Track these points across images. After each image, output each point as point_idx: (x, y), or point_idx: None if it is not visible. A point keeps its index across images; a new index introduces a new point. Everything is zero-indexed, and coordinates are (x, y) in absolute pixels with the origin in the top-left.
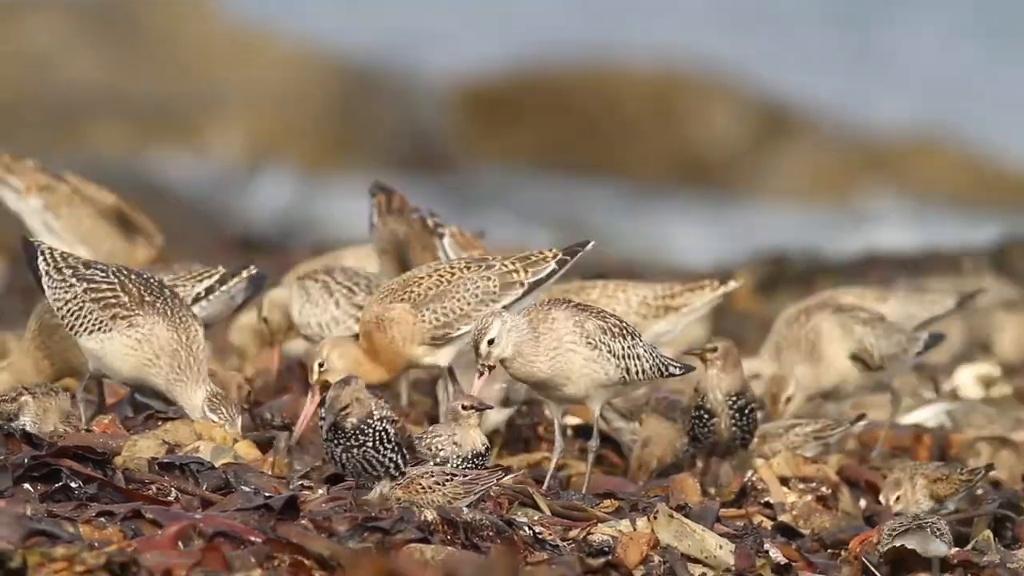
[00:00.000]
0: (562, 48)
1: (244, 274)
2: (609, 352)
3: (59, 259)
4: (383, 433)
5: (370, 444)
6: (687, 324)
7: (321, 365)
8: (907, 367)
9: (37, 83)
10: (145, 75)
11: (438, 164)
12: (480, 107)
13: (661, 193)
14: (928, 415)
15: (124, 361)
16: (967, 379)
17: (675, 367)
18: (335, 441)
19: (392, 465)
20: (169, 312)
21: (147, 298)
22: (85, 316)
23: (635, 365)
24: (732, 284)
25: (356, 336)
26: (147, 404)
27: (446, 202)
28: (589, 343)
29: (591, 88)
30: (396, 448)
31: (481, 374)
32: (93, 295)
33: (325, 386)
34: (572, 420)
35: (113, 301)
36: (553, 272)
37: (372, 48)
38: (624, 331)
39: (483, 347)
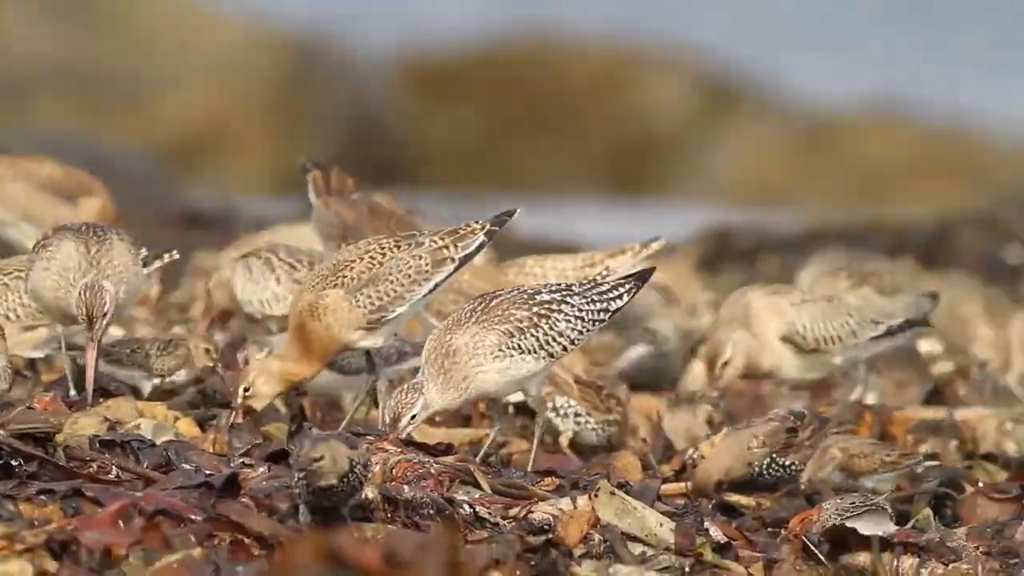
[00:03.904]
0: (509, 24)
1: (166, 257)
2: (522, 352)
3: None
4: (358, 481)
5: (350, 495)
6: None
7: (247, 390)
8: (867, 351)
9: None
10: (93, 51)
11: (384, 141)
12: (427, 83)
13: (601, 176)
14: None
15: (45, 287)
16: None
17: (620, 296)
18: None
19: (364, 498)
20: (84, 230)
21: (66, 225)
22: (20, 268)
23: (559, 344)
24: (655, 245)
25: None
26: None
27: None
28: (497, 356)
29: (539, 64)
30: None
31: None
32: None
33: (248, 411)
34: (512, 397)
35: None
36: (483, 244)
37: (319, 23)
38: (538, 316)
39: (403, 423)
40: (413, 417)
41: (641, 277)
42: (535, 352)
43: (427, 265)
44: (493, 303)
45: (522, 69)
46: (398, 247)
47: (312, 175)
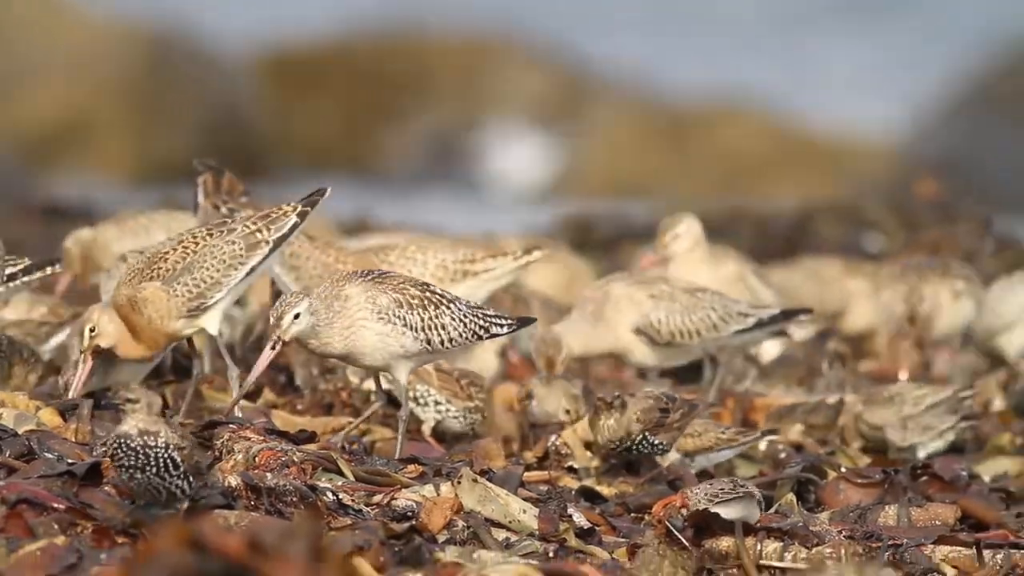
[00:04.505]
0: (368, 16)
1: (48, 269)
2: (405, 325)
3: None
4: (168, 460)
5: (153, 471)
6: (489, 290)
7: (92, 330)
8: (734, 342)
9: None
10: None
11: (244, 133)
12: (287, 75)
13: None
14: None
15: None
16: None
17: (501, 325)
18: (121, 463)
19: (179, 491)
20: None
21: None
22: None
23: (439, 335)
24: (536, 254)
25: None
26: None
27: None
28: (382, 318)
29: (398, 56)
30: (183, 476)
31: (273, 347)
32: None
33: (96, 351)
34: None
35: None
36: (295, 225)
37: (177, 16)
38: (428, 301)
39: (286, 320)
40: (296, 316)
41: (523, 322)
42: (416, 331)
43: (241, 250)
44: (388, 275)
45: (381, 61)
46: (211, 235)
47: (204, 178)
